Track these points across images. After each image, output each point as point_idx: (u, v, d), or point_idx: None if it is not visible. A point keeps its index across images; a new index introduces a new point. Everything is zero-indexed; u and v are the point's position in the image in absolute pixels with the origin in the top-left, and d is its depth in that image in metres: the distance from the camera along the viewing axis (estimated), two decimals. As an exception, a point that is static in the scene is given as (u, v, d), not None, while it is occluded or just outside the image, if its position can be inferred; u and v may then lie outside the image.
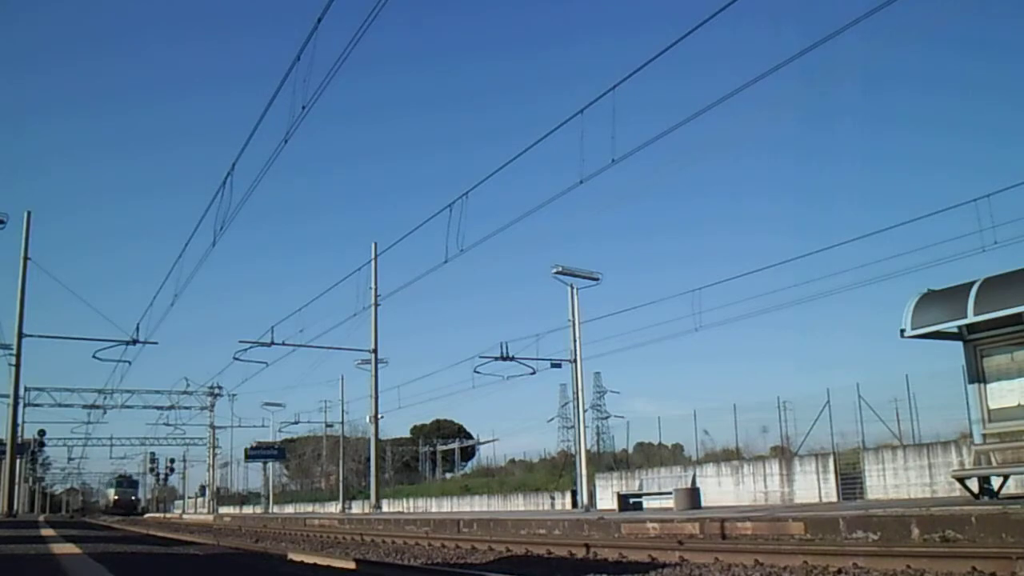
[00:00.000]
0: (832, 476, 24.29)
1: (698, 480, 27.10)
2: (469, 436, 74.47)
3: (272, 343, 30.97)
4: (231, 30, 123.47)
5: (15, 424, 33.24)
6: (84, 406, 47.01)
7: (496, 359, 27.43)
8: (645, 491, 26.88)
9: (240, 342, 32.22)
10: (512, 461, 55.54)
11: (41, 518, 49.18)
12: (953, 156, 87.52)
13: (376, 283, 31.81)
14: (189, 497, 77.98)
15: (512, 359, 27.52)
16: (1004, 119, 78.45)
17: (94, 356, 31.69)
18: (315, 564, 9.70)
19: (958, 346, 13.54)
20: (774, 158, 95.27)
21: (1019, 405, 12.47)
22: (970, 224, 17.38)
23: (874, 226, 60.14)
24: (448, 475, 68.99)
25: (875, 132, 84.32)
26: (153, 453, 76.81)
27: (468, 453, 74.83)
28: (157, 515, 70.77)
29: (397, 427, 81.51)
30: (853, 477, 23.72)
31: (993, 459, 12.73)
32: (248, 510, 63.18)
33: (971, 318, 12.42)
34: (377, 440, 35.68)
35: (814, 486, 24.76)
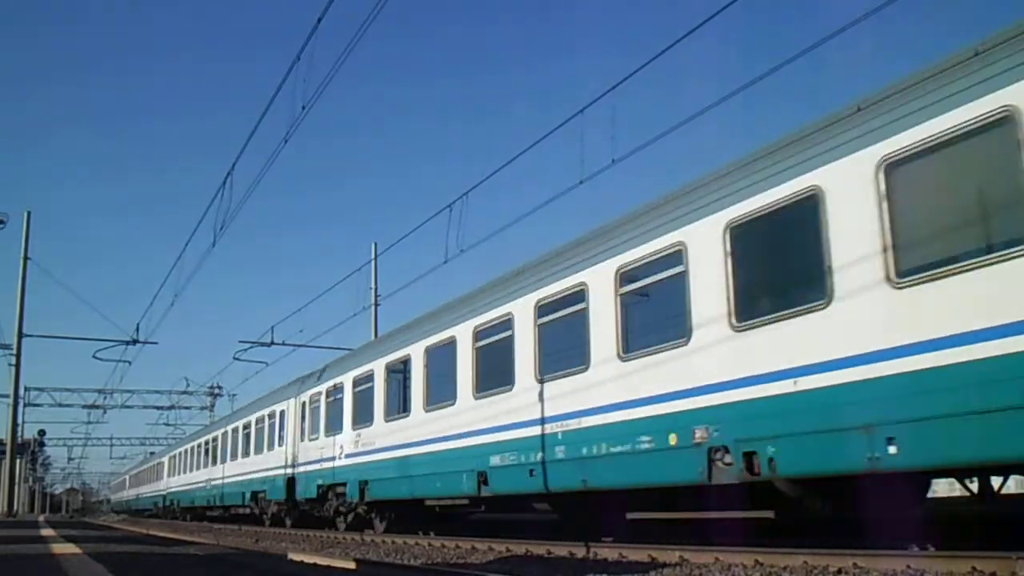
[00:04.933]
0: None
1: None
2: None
3: (272, 343, 30.96)
4: (234, 49, 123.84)
5: (15, 424, 33.33)
6: (84, 406, 47.14)
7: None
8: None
9: (240, 342, 31.80)
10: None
11: (41, 518, 49.17)
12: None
13: (376, 283, 31.69)
14: None
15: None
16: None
17: (94, 356, 31.81)
18: (315, 564, 9.70)
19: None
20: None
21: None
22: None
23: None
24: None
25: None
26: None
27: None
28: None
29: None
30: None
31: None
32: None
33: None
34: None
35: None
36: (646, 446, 9.31)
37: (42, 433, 57.22)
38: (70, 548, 12.23)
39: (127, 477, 67.49)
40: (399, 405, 15.42)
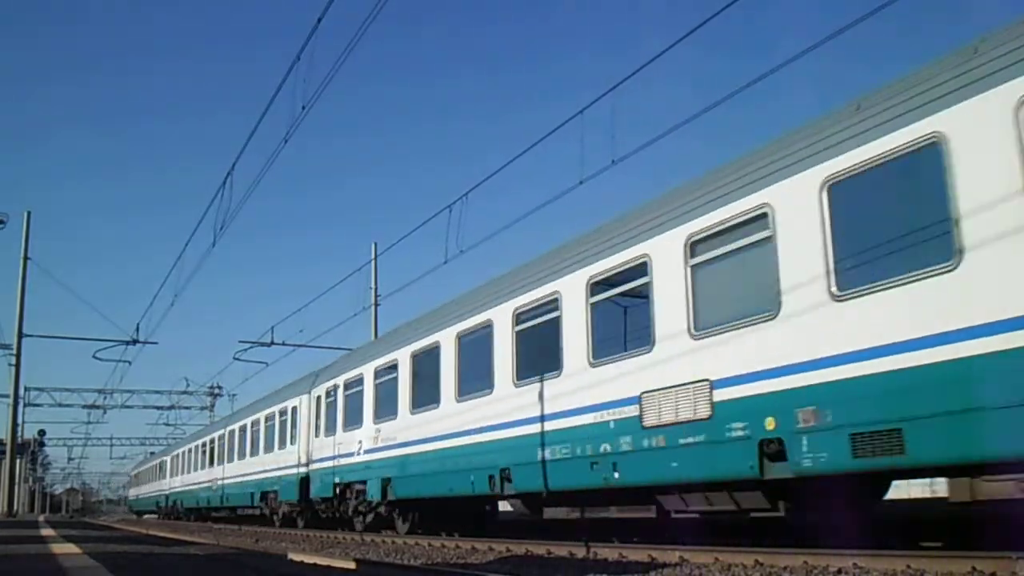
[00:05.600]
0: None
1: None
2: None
3: (272, 343, 31.02)
4: (234, 49, 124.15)
5: (15, 424, 33.34)
6: (84, 406, 47.22)
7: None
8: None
9: (240, 342, 31.68)
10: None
11: (41, 518, 49.16)
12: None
13: (376, 283, 31.65)
14: None
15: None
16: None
17: (94, 356, 31.84)
18: (315, 564, 9.70)
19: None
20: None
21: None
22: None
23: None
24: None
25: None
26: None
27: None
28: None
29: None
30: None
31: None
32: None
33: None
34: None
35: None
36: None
37: (42, 433, 57.29)
38: (70, 548, 12.23)
39: (156, 464, 48.64)
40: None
